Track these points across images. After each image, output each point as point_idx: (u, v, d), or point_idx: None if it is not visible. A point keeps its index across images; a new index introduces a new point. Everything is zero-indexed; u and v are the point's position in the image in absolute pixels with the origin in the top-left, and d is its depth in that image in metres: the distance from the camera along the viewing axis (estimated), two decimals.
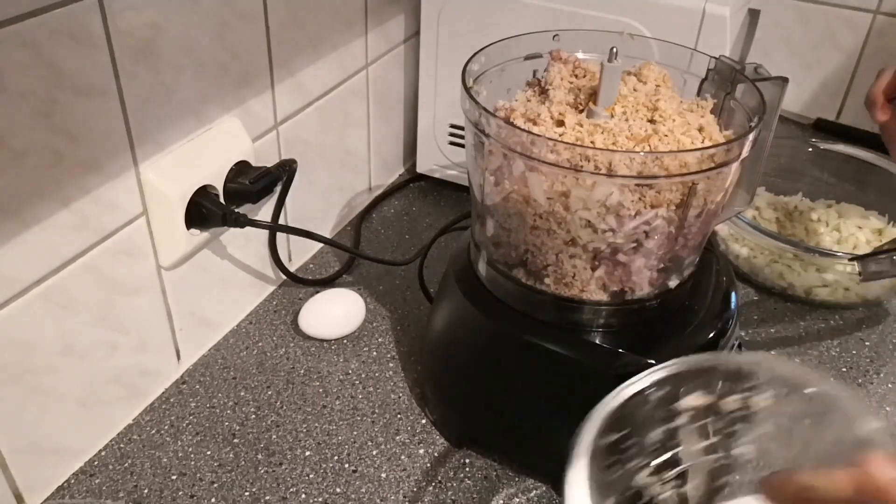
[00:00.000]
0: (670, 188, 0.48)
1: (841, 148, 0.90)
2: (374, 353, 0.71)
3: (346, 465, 0.60)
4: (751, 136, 0.49)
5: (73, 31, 0.48)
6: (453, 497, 0.58)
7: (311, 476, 0.59)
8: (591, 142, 0.48)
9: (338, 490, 0.59)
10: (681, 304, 0.57)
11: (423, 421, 0.65)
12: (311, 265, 0.83)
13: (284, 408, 0.66)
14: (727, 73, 0.55)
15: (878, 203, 0.88)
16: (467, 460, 0.62)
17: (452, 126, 0.89)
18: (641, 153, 0.46)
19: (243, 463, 0.61)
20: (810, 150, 0.91)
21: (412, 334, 0.74)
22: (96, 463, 0.60)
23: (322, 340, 0.72)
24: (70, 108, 0.50)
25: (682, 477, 0.46)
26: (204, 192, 0.62)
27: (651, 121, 0.51)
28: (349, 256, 0.83)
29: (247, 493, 0.58)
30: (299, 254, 0.82)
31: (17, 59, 0.46)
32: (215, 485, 0.59)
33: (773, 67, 0.58)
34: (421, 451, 0.62)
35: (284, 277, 0.79)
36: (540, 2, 0.75)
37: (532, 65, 0.59)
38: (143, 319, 0.62)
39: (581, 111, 0.51)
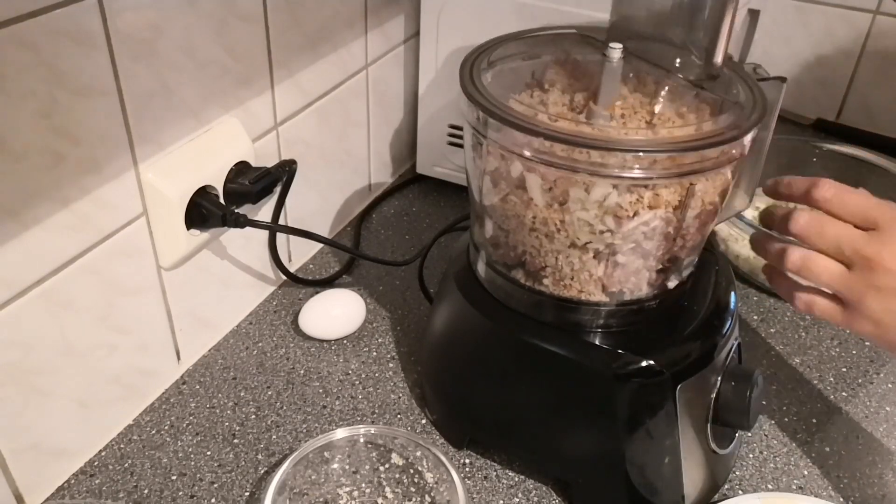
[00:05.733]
0: (668, 189, 0.48)
1: (841, 148, 0.90)
2: (374, 354, 0.71)
3: (347, 467, 0.60)
4: (749, 136, 0.49)
5: (73, 32, 0.48)
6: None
7: (312, 477, 0.59)
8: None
9: (338, 490, 0.59)
10: (680, 304, 0.57)
11: (423, 421, 0.65)
12: (311, 265, 0.83)
13: (284, 408, 0.66)
14: (727, 73, 0.55)
15: None
16: (467, 461, 0.62)
17: (452, 126, 0.89)
18: (640, 151, 0.46)
19: (243, 463, 0.61)
20: (810, 150, 0.91)
21: (412, 334, 0.74)
22: (96, 463, 0.60)
23: (322, 340, 0.72)
24: (70, 108, 0.50)
25: None
26: (204, 193, 0.62)
27: (650, 122, 0.51)
28: (349, 257, 0.83)
29: (247, 493, 0.58)
30: (299, 254, 0.82)
31: (17, 59, 0.46)
32: (215, 485, 0.59)
33: (773, 67, 0.59)
34: (419, 453, 0.62)
35: (284, 278, 0.79)
36: (541, 2, 0.75)
37: (531, 65, 0.59)
38: (143, 320, 0.62)
39: (580, 112, 0.51)
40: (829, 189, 0.48)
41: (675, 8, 0.52)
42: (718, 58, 0.52)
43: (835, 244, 0.47)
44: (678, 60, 0.53)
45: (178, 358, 0.68)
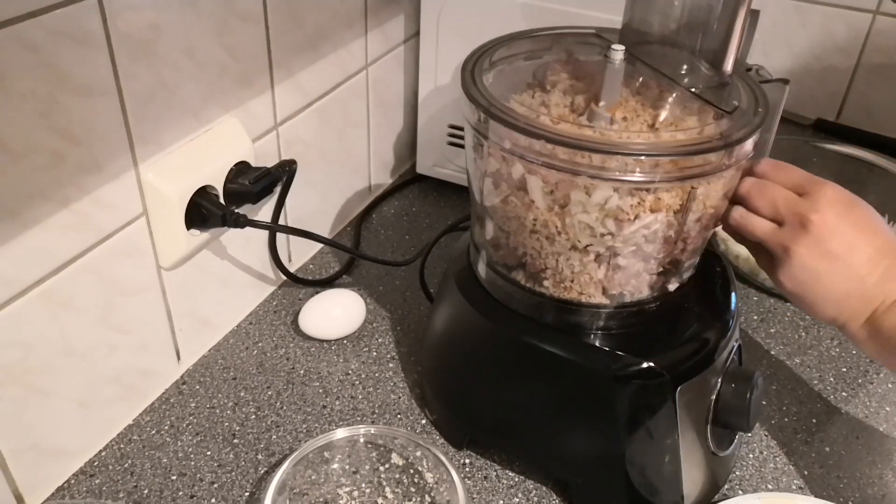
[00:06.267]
0: (670, 192, 0.48)
1: (841, 148, 0.90)
2: (374, 354, 0.71)
3: (347, 467, 0.60)
4: (751, 140, 0.49)
5: (73, 32, 0.48)
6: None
7: (312, 477, 0.59)
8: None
9: (338, 490, 0.59)
10: (680, 306, 0.57)
11: (423, 421, 0.65)
12: (311, 265, 0.83)
13: (284, 408, 0.66)
14: (729, 75, 0.55)
15: (878, 203, 0.87)
16: (467, 461, 0.62)
17: (452, 126, 0.89)
18: (642, 156, 0.46)
19: (243, 463, 0.61)
20: (810, 150, 0.91)
21: (412, 335, 0.74)
22: (96, 463, 0.60)
23: (322, 341, 0.72)
24: (70, 108, 0.50)
25: None
26: (204, 193, 0.62)
27: (652, 125, 0.50)
28: (349, 257, 0.83)
29: (247, 493, 0.58)
30: (299, 254, 0.82)
31: (18, 59, 0.46)
32: (215, 485, 0.59)
33: (773, 68, 0.59)
34: (419, 453, 0.62)
35: (284, 278, 0.79)
36: (540, 2, 0.75)
37: (533, 66, 0.58)
38: (143, 320, 0.62)
39: (581, 114, 0.51)
40: (767, 163, 0.55)
41: (685, 15, 0.52)
42: (728, 66, 0.52)
43: (772, 203, 0.52)
44: (685, 67, 0.53)
45: (178, 358, 0.68)
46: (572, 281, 0.53)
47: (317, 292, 0.75)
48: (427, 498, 0.57)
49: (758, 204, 0.53)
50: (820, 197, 0.51)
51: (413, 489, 0.58)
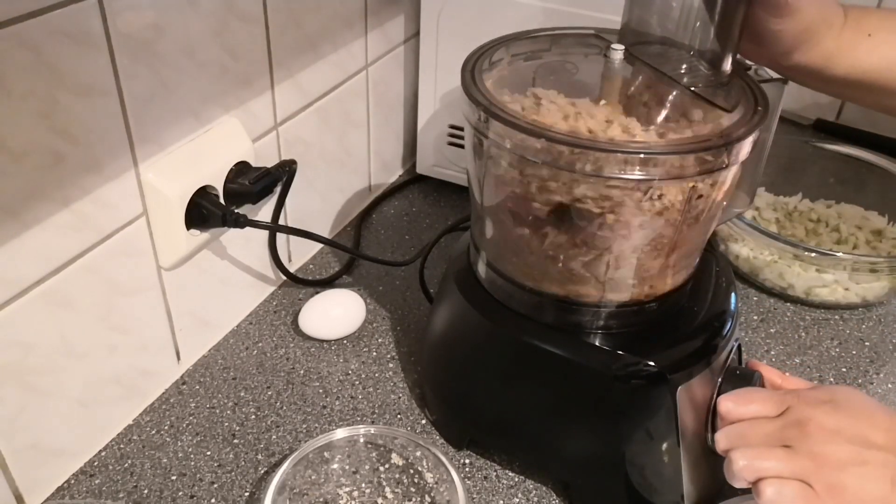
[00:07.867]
0: (669, 191, 0.48)
1: (841, 148, 0.90)
2: (374, 354, 0.71)
3: (347, 467, 0.60)
4: (751, 139, 0.49)
5: (73, 32, 0.48)
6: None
7: (312, 477, 0.59)
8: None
9: (338, 490, 0.59)
10: (680, 305, 0.57)
11: (423, 421, 0.65)
12: (311, 266, 0.83)
13: (284, 408, 0.66)
14: (729, 75, 0.55)
15: (877, 203, 0.88)
16: (467, 461, 0.62)
17: (452, 126, 0.89)
18: (641, 153, 0.46)
19: (243, 463, 0.61)
20: (810, 150, 0.91)
21: (412, 335, 0.74)
22: (96, 463, 0.60)
23: (322, 341, 0.72)
24: (70, 108, 0.50)
25: None
26: (204, 193, 0.62)
27: (652, 124, 0.50)
28: (349, 257, 0.83)
29: (247, 493, 0.58)
30: (299, 254, 0.82)
31: (18, 59, 0.46)
32: (215, 485, 0.59)
33: None
34: (419, 453, 0.62)
35: (284, 278, 0.79)
36: (540, 2, 0.75)
37: (533, 66, 0.59)
38: (143, 320, 0.62)
39: (581, 114, 0.51)
40: (726, 402, 0.51)
41: (684, 14, 0.52)
42: (727, 65, 0.52)
43: (763, 440, 0.48)
44: (685, 66, 0.53)
45: (178, 358, 0.68)
46: (572, 280, 0.53)
47: (317, 292, 0.75)
48: (427, 498, 0.57)
49: (750, 443, 0.48)
50: (801, 403, 0.48)
51: (413, 489, 0.58)
